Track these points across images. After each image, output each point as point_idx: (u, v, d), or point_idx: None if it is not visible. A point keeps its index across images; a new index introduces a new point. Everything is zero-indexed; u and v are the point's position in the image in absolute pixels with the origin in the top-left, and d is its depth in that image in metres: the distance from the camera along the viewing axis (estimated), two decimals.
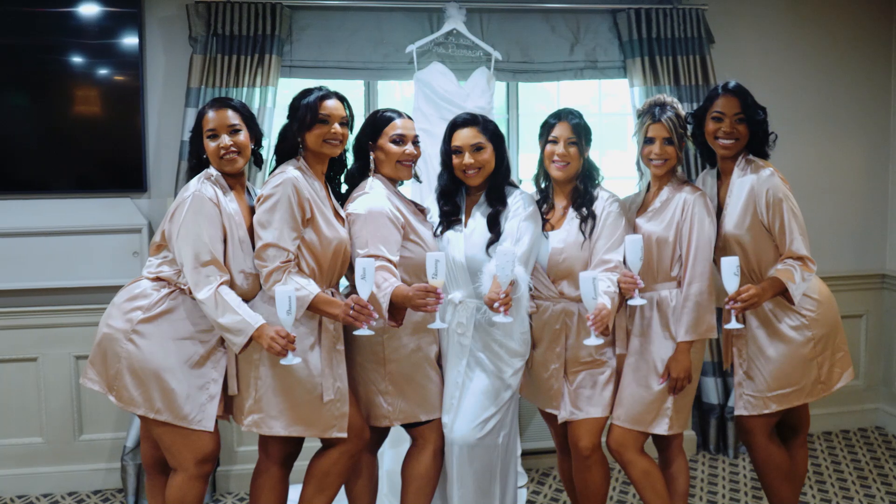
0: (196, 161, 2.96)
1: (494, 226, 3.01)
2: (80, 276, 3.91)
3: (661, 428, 3.06)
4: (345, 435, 2.89)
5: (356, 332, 2.73)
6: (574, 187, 3.12)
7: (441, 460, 3.07)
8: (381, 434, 3.14)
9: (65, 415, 3.96)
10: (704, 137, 3.16)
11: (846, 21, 4.56)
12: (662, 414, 3.05)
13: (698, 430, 4.44)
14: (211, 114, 2.89)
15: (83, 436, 3.98)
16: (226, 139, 2.87)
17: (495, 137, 3.09)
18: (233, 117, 2.89)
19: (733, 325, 2.93)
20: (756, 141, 3.11)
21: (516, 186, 3.16)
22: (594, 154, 3.18)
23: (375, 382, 3.01)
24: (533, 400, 3.24)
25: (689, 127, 3.18)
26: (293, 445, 3.00)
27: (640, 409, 3.05)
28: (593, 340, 2.80)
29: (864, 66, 4.61)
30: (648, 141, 3.09)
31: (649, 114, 3.10)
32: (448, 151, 3.10)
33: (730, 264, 2.87)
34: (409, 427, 3.10)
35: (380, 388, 3.01)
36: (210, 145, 2.89)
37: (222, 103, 2.93)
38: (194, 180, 2.88)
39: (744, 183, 3.06)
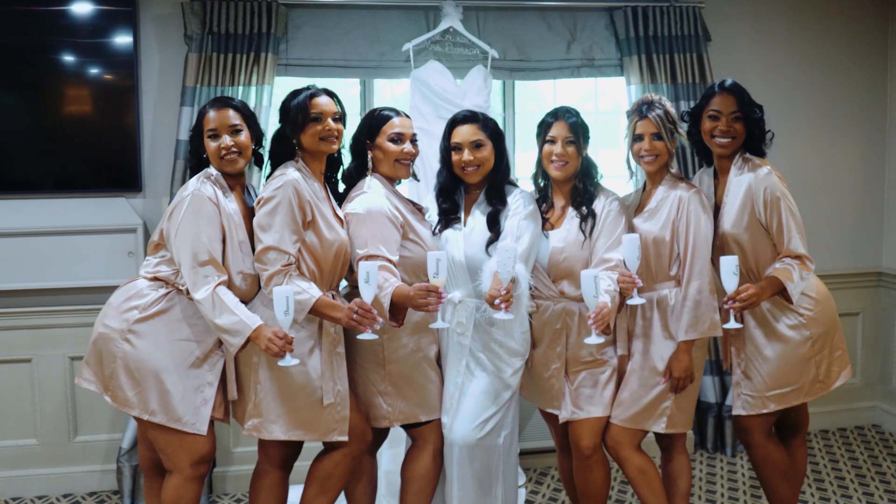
0: (196, 161, 2.94)
1: (494, 224, 3.00)
2: (74, 277, 3.88)
3: (659, 426, 3.05)
4: (346, 438, 2.87)
5: (360, 337, 2.70)
6: (573, 186, 3.11)
7: (441, 461, 3.05)
8: (380, 435, 3.12)
9: (59, 416, 3.92)
10: (701, 136, 3.15)
11: (842, 19, 4.56)
12: (661, 413, 3.04)
13: (696, 428, 4.43)
14: (212, 113, 2.87)
15: (78, 437, 3.95)
16: (227, 139, 2.85)
17: (495, 135, 3.08)
18: (234, 117, 2.87)
19: (732, 324, 2.92)
20: (753, 139, 3.10)
21: (515, 185, 3.15)
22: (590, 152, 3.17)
23: (375, 383, 2.99)
24: (533, 400, 3.23)
25: (686, 125, 3.18)
26: (292, 448, 2.98)
27: (638, 408, 3.04)
28: (594, 339, 2.79)
29: (859, 64, 4.61)
30: (637, 138, 3.09)
31: (637, 111, 3.10)
32: (448, 148, 3.09)
33: (729, 263, 2.86)
34: (408, 428, 3.08)
35: (379, 388, 2.99)
36: (211, 145, 2.87)
37: (224, 103, 2.91)
38: (193, 179, 2.86)
39: (741, 182, 3.06)
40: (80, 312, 3.85)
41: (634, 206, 3.19)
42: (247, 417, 2.85)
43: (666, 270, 3.07)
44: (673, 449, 3.19)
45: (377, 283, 2.70)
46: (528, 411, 4.13)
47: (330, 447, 2.94)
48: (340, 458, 2.92)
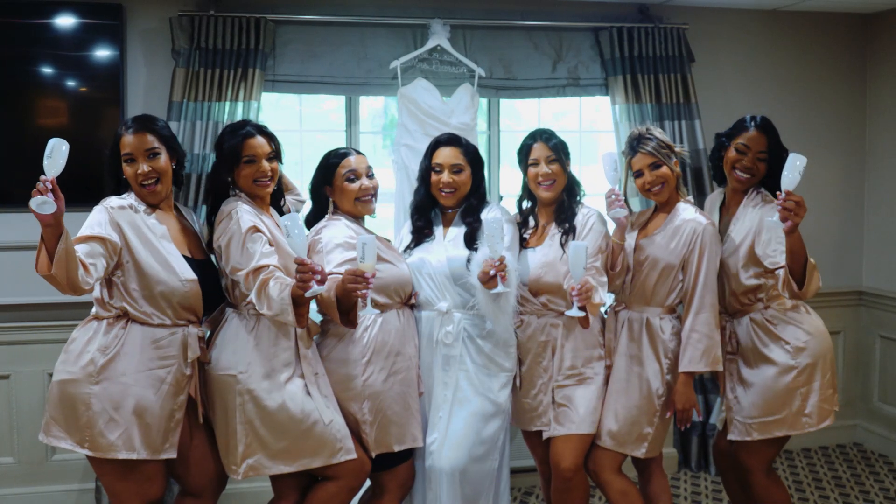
0: (115, 183, 2.91)
1: (471, 242, 3.03)
2: (53, 292, 3.76)
3: (640, 451, 3.06)
4: (354, 456, 2.84)
5: (307, 294, 2.56)
6: (558, 204, 3.13)
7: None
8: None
9: (37, 434, 3.81)
10: (722, 161, 3.17)
11: (823, 40, 4.62)
12: (643, 438, 3.06)
13: (679, 447, 4.43)
14: (128, 137, 2.81)
15: (56, 456, 3.88)
16: (144, 166, 2.80)
17: (475, 161, 3.14)
18: (152, 140, 2.81)
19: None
20: (774, 180, 3.06)
21: (489, 203, 3.19)
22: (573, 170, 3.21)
23: (354, 413, 2.94)
24: (519, 422, 3.22)
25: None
26: (306, 476, 2.92)
27: (623, 432, 3.05)
28: (575, 312, 2.80)
29: (839, 86, 4.67)
30: (638, 174, 3.10)
31: (629, 149, 3.13)
32: (428, 168, 3.12)
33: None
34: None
35: (357, 418, 2.94)
36: (127, 170, 2.82)
37: (142, 125, 2.82)
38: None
39: (753, 216, 3.08)
40: (60, 328, 3.78)
41: (639, 225, 3.19)
42: (240, 459, 2.79)
43: (663, 297, 3.07)
44: (650, 470, 3.19)
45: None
46: (513, 429, 4.11)
47: (326, 477, 2.88)
48: (337, 490, 2.87)
